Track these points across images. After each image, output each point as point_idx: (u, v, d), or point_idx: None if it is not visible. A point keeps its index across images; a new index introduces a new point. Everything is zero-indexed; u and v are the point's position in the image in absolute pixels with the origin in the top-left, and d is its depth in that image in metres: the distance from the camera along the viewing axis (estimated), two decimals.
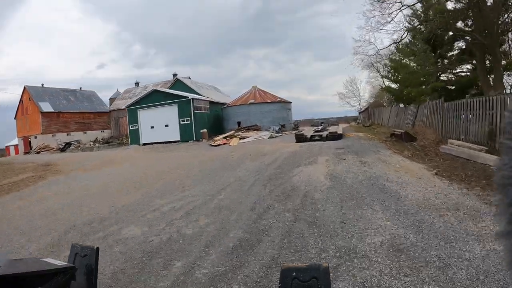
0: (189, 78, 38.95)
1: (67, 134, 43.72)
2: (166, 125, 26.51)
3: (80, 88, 51.23)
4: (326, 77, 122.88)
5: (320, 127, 21.38)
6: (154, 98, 26.99)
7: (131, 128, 29.41)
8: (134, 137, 28.95)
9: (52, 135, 42.47)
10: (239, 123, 26.91)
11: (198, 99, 26.21)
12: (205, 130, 24.07)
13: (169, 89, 30.15)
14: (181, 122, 25.48)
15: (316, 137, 16.12)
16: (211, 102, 28.40)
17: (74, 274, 1.60)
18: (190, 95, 25.67)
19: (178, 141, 25.39)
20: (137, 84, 49.26)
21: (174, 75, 37.68)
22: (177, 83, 32.46)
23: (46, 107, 43.19)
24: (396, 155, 10.08)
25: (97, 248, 1.75)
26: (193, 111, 24.86)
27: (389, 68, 21.19)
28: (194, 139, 24.55)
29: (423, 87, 16.98)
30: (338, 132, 15.92)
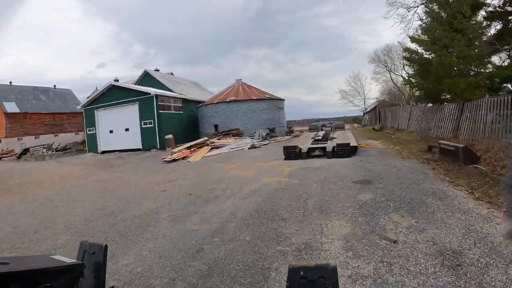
0: (172, 74, 32.75)
1: (35, 137, 37.98)
2: (127, 129, 20.72)
3: (54, 86, 45.23)
4: (326, 77, 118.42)
5: (322, 133, 15.62)
6: (113, 95, 21.17)
7: (88, 133, 23.64)
8: (92, 144, 23.18)
9: (18, 139, 36.71)
10: (216, 126, 20.95)
11: (165, 96, 20.28)
12: (170, 136, 18.25)
13: (137, 85, 24.30)
14: (143, 126, 19.67)
15: (317, 152, 10.32)
16: (186, 100, 22.49)
17: (82, 271, 1.55)
18: (153, 91, 19.78)
19: (139, 150, 19.59)
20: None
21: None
22: (145, 77, 26.24)
23: (11, 107, 37.40)
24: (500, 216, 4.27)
25: (106, 246, 1.68)
26: (157, 111, 19.02)
27: (415, 54, 15.37)
28: (158, 147, 18.74)
29: (477, 76, 11.14)
30: (351, 144, 10.12)
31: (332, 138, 12.55)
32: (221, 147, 15.26)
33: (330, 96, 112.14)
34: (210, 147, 15.41)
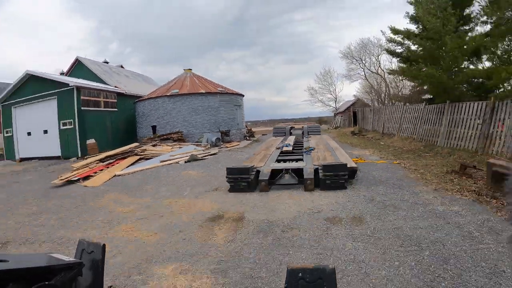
0: (107, 62, 24.38)
1: None
2: (45, 131, 15.02)
3: None
4: (293, 80, 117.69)
5: (291, 139, 10.95)
6: (31, 88, 15.32)
7: (6, 135, 17.54)
8: (10, 149, 17.18)
9: None
10: (153, 128, 15.43)
11: (91, 88, 14.65)
12: (92, 141, 12.94)
13: (69, 76, 18.44)
14: (62, 127, 14.12)
15: (286, 177, 5.60)
16: (122, 96, 16.72)
17: (81, 270, 1.43)
18: (74, 81, 14.21)
19: (58, 158, 14.04)
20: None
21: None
22: (77, 67, 19.66)
23: None
24: None
25: (104, 245, 1.55)
26: (79, 107, 13.57)
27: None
28: (79, 154, 13.30)
29: None
30: (349, 165, 5.38)
31: (309, 150, 7.87)
32: (153, 157, 10.20)
33: (295, 98, 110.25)
34: (138, 157, 10.31)
